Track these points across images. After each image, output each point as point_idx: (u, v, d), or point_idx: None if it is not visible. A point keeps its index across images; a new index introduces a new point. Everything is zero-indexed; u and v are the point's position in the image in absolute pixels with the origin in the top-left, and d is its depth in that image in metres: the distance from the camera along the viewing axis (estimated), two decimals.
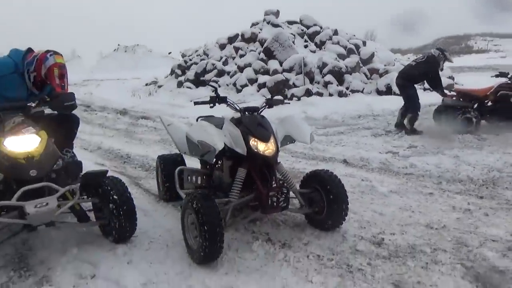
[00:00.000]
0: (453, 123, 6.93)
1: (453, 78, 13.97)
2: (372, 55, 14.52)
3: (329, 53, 14.10)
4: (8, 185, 2.72)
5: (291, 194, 3.21)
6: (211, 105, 3.33)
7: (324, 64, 12.98)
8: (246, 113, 3.25)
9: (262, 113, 3.30)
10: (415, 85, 7.50)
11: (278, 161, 3.23)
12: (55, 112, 3.33)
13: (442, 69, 7.41)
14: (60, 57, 3.19)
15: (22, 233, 2.76)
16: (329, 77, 12.61)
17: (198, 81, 14.37)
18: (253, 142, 2.98)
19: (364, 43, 15.87)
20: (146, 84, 18.53)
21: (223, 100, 3.28)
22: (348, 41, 15.09)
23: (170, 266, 2.80)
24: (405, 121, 7.27)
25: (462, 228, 3.28)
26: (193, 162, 4.39)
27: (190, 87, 14.87)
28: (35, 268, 2.81)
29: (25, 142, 2.68)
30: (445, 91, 7.53)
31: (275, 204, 3.00)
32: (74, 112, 3.51)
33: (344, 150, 6.03)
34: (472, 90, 7.58)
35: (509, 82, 7.02)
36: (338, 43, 14.74)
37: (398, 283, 2.52)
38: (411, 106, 7.24)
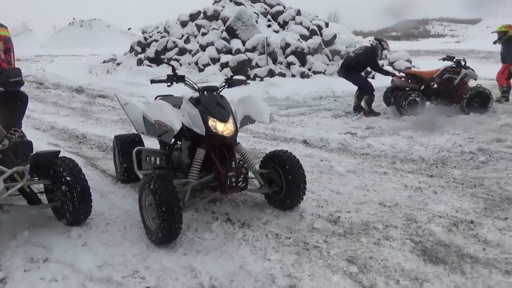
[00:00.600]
0: (399, 105, 7.22)
1: (410, 61, 14.42)
2: (334, 37, 14.64)
3: (292, 34, 14.08)
4: None
5: (251, 174, 3.24)
6: (169, 84, 3.24)
7: (287, 45, 12.97)
8: (205, 92, 3.20)
9: (221, 93, 3.26)
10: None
11: (238, 141, 3.23)
12: (1, 89, 3.13)
13: (381, 58, 7.91)
14: (5, 30, 3.01)
15: None
16: (292, 58, 12.63)
17: (156, 60, 13.94)
18: (211, 122, 2.95)
19: (327, 25, 15.95)
20: (104, 62, 17.78)
21: (181, 79, 3.20)
22: (311, 22, 15.10)
23: (127, 247, 2.76)
24: (362, 103, 7.50)
25: (413, 205, 3.45)
26: (152, 143, 4.30)
27: (150, 65, 14.40)
28: None
29: None
30: (395, 72, 7.84)
31: (234, 184, 3.01)
32: (22, 89, 3.33)
33: (305, 131, 6.12)
34: (420, 72, 7.89)
35: (454, 65, 7.32)
36: (301, 23, 14.73)
37: (352, 258, 2.62)
38: (364, 89, 7.52)
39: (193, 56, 13.71)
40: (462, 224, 3.09)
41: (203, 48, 13.60)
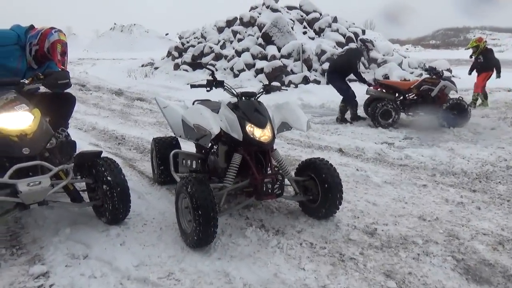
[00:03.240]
0: (373, 115, 7.08)
1: (450, 71, 13.95)
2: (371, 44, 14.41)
3: (327, 41, 13.99)
4: (0, 162, 2.67)
5: (286, 181, 3.21)
6: (208, 88, 3.29)
7: (323, 52, 12.89)
8: (243, 98, 3.21)
9: (259, 99, 3.27)
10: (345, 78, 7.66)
11: (274, 148, 3.22)
12: (50, 90, 3.28)
13: (367, 60, 7.80)
14: (63, 35, 3.17)
15: (14, 212, 2.73)
16: (327, 65, 12.51)
17: (195, 64, 14.22)
18: (249, 127, 2.96)
19: (364, 32, 15.76)
20: (142, 65, 18.34)
21: (220, 84, 3.23)
22: (347, 29, 14.97)
23: (163, 249, 2.80)
24: (347, 116, 7.50)
25: (454, 221, 3.30)
26: (188, 146, 4.37)
27: (186, 70, 14.72)
28: (28, 247, 2.79)
29: (18, 119, 2.64)
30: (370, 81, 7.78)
31: (269, 190, 2.99)
32: (70, 91, 3.47)
33: (340, 139, 6.03)
34: (396, 82, 8.02)
35: (432, 77, 7.15)
36: (337, 30, 14.62)
37: (389, 273, 2.54)
38: (346, 96, 7.42)
39: (228, 61, 13.88)
40: (509, 243, 2.92)
41: (238, 54, 13.75)
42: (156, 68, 16.67)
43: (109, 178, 2.94)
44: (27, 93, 2.96)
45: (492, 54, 8.95)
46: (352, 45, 8.36)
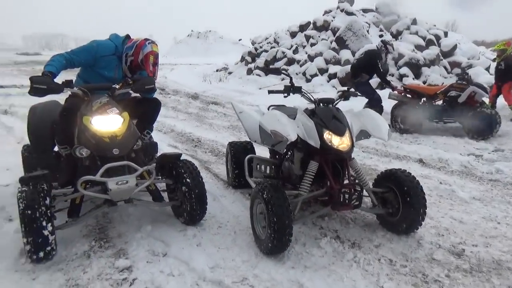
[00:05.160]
0: (393, 120, 6.73)
1: None
2: (454, 47, 13.41)
3: (406, 44, 13.28)
4: (93, 161, 2.90)
5: (364, 192, 3.07)
6: (285, 94, 3.27)
7: (400, 56, 12.26)
8: (321, 104, 3.14)
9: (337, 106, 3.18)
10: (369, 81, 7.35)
11: (352, 156, 3.10)
12: (139, 95, 3.50)
13: (385, 62, 7.47)
14: (156, 46, 3.38)
15: (103, 207, 2.94)
16: (404, 70, 11.90)
17: (271, 70, 14.39)
18: (327, 135, 2.88)
19: (446, 34, 14.71)
20: (217, 70, 18.98)
21: (297, 90, 3.20)
22: (427, 31, 14.10)
23: (237, 253, 2.82)
24: None
25: None
26: (262, 151, 4.39)
27: (259, 75, 14.93)
28: (114, 241, 2.99)
29: (110, 122, 2.84)
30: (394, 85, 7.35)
31: (347, 201, 2.88)
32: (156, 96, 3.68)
33: (420, 149, 5.65)
34: (422, 87, 7.53)
35: (461, 82, 6.75)
36: (416, 33, 13.83)
37: None
38: (371, 100, 7.04)
39: (301, 66, 13.82)
40: None
41: (311, 58, 13.63)
42: (229, 73, 17.15)
43: (188, 180, 3.05)
44: (118, 97, 3.18)
45: None
46: (371, 46, 8.11)
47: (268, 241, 2.65)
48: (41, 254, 2.55)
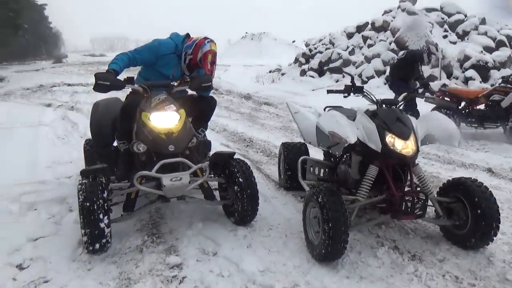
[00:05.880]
0: None
1: None
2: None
3: (473, 45, 12.40)
4: (150, 157, 2.94)
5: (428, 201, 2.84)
6: (345, 94, 3.11)
7: (466, 57, 11.46)
8: (384, 105, 2.96)
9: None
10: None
11: (416, 162, 2.88)
12: (195, 93, 3.51)
13: (428, 63, 6.89)
14: (214, 45, 3.40)
15: (157, 203, 2.98)
16: (471, 72, 11.10)
17: (328, 68, 14.10)
18: (389, 138, 2.69)
19: None
20: (270, 71, 18.95)
21: (359, 90, 3.03)
22: (498, 31, 13.07)
23: (288, 257, 2.72)
24: None
25: None
26: (316, 153, 4.25)
27: (313, 76, 14.70)
28: (165, 237, 3.01)
29: (167, 119, 2.87)
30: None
31: (409, 210, 2.67)
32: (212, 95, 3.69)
33: (489, 157, 5.19)
34: (461, 90, 7.15)
35: (505, 85, 6.23)
36: (485, 33, 12.87)
37: None
38: (407, 105, 6.15)
39: (357, 68, 13.41)
40: None
41: (368, 60, 13.18)
42: (282, 74, 17.05)
43: (240, 179, 3.00)
44: (175, 95, 3.21)
45: None
46: (414, 47, 7.62)
47: (322, 247, 2.53)
48: (97, 246, 2.61)
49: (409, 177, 2.83)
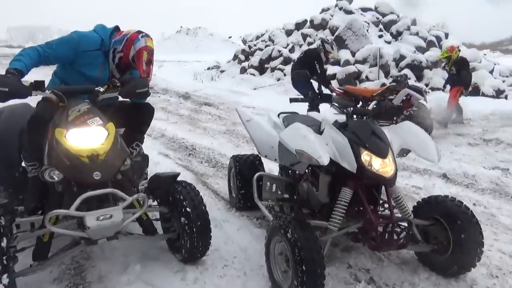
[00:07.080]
0: None
1: None
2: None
3: (406, 45, 12.86)
4: (68, 186, 2.25)
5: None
6: (309, 103, 2.67)
7: (402, 57, 11.81)
8: (354, 116, 2.56)
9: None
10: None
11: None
12: (127, 100, 2.85)
13: (326, 63, 7.00)
14: (150, 41, 2.72)
15: (79, 246, 2.30)
16: (406, 72, 11.42)
17: (262, 68, 13.75)
18: (365, 156, 2.30)
19: (447, 36, 14.34)
20: (208, 68, 18.27)
21: (327, 98, 2.60)
22: (428, 32, 13.70)
23: None
24: None
25: None
26: (270, 164, 3.79)
27: (253, 74, 14.32)
28: (93, 286, 2.35)
29: (90, 136, 2.20)
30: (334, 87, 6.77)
31: (388, 237, 2.30)
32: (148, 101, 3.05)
33: (441, 161, 5.10)
34: (357, 89, 7.52)
35: (394, 84, 6.62)
36: (417, 34, 13.44)
37: None
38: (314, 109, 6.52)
39: None
40: None
41: None
42: (222, 71, 16.48)
43: (188, 209, 2.44)
44: (102, 103, 2.54)
45: (466, 66, 7.75)
46: (312, 46, 7.88)
47: None
48: None
49: (385, 199, 2.47)
